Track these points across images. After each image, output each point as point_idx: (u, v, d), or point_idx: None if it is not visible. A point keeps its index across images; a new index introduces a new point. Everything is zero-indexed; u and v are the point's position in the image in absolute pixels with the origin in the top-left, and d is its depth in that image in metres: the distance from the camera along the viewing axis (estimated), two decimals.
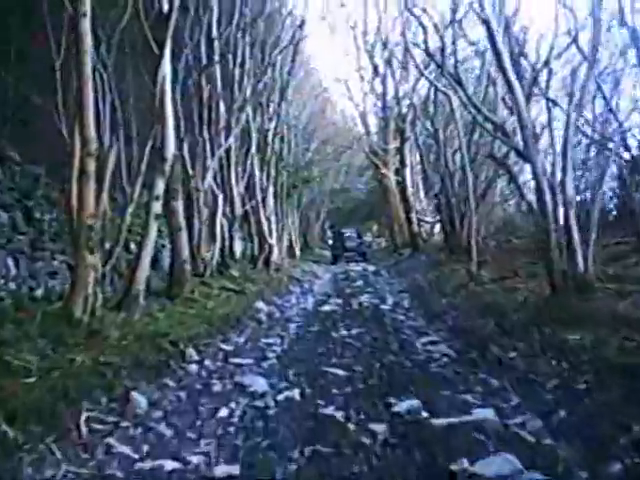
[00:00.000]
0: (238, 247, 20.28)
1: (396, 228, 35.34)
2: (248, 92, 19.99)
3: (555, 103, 14.62)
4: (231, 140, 18.02)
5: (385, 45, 30.53)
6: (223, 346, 8.91)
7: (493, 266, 14.37)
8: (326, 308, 13.79)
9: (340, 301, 14.89)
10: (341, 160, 45.85)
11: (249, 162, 21.32)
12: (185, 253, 12.87)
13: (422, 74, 15.40)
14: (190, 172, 15.69)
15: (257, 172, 22.69)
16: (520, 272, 12.38)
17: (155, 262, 13.69)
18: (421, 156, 32.51)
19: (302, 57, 30.67)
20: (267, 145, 23.86)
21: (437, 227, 35.11)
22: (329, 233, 61.97)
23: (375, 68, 34.58)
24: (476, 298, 11.12)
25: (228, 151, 19.54)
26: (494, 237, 20.99)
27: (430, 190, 35.41)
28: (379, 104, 36.16)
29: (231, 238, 19.75)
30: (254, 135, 21.76)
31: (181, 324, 9.50)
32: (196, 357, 7.98)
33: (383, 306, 13.40)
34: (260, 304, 13.87)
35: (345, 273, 25.53)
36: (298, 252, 37.45)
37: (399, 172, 35.94)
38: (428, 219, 32.76)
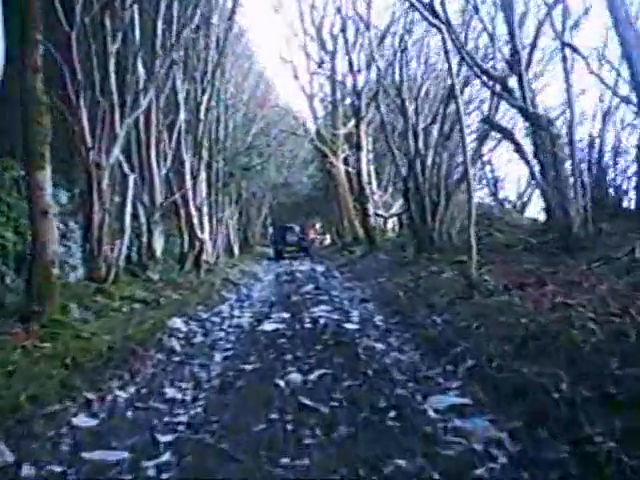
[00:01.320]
0: (159, 243, 16.09)
1: (345, 223, 31.54)
2: (174, 55, 15.90)
3: (574, 49, 11.01)
4: (144, 103, 13.79)
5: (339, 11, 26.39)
6: (79, 420, 4.90)
7: (495, 269, 10.55)
8: (268, 327, 9.76)
9: (287, 315, 10.92)
10: (285, 146, 41.86)
11: (175, 139, 17.13)
12: (52, 248, 8.52)
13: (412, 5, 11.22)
14: (88, 140, 11.57)
15: (186, 154, 18.59)
16: (546, 278, 8.59)
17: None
18: (375, 140, 28.93)
19: (242, 34, 26.78)
20: (199, 122, 19.73)
21: (391, 223, 31.50)
22: (270, 229, 58.86)
23: (323, 45, 30.65)
24: (497, 319, 7.23)
25: (148, 123, 15.48)
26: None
27: (384, 180, 31.98)
28: (327, 88, 32.41)
29: (150, 232, 15.61)
30: (182, 106, 17.63)
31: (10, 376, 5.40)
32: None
33: (348, 325, 9.37)
34: (177, 322, 9.92)
35: (290, 274, 21.56)
36: (237, 250, 33.53)
37: (347, 161, 32.24)
38: (382, 212, 29.03)
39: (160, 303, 11.69)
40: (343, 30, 25.80)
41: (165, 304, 11.74)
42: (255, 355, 7.64)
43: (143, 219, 15.41)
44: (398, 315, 9.69)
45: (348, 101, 34.09)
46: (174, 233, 20.49)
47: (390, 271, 15.50)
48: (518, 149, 12.86)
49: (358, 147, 24.88)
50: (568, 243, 10.08)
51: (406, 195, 16.57)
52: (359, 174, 24.49)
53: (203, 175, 20.50)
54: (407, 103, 16.66)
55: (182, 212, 18.98)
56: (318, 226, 66.64)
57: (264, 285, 18.71)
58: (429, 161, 16.06)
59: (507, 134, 12.96)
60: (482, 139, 16.52)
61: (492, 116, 13.56)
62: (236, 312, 12.24)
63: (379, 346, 7.63)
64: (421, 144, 16.03)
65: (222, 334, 9.56)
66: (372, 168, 30.58)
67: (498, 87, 11.12)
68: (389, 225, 31.05)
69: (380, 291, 13.03)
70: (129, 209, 13.08)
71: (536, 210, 22.97)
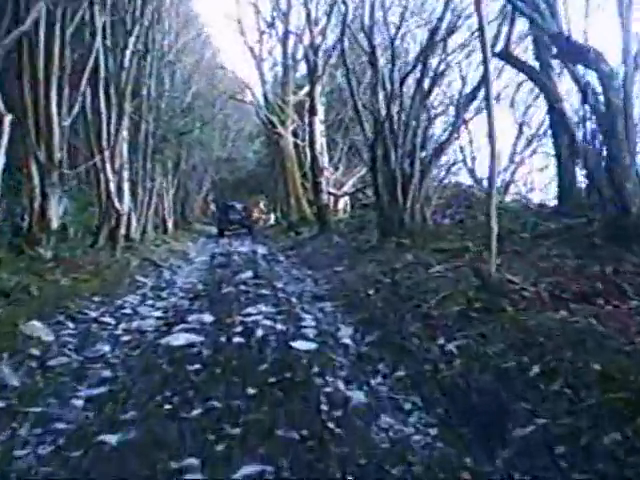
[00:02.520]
0: (54, 211, 12.30)
1: (292, 201, 28.05)
2: None
3: None
4: (27, 21, 9.98)
5: None
6: None
7: (516, 264, 7.24)
8: (177, 340, 6.35)
9: (210, 318, 7.54)
10: (229, 117, 38.20)
11: (85, 83, 13.37)
12: None
13: None
14: None
15: (103, 105, 14.89)
16: (619, 283, 5.36)
17: None
18: (328, 111, 25.54)
19: None
20: (122, 69, 16.01)
21: (342, 202, 28.16)
22: (212, 206, 55.51)
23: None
24: (573, 359, 3.92)
25: (48, 56, 11.89)
26: (450, 212, 14.18)
27: (336, 156, 28.58)
28: (278, 52, 28.81)
29: (45, 197, 11.92)
30: (99, 42, 13.92)
31: None
32: None
33: (300, 343, 5.93)
34: (37, 327, 6.46)
35: (227, 256, 18.08)
36: (171, 226, 29.81)
37: (296, 133, 28.80)
38: (334, 190, 25.64)
39: (31, 293, 8.12)
40: None
41: (38, 295, 8.16)
42: (138, 406, 4.29)
43: (37, 180, 11.69)
44: (375, 328, 6.36)
45: (301, 69, 30.69)
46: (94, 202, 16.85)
47: (350, 258, 12.16)
48: (547, 95, 9.68)
49: (312, 112, 21.14)
50: (620, 230, 6.87)
51: (373, 165, 13.10)
52: (312, 143, 20.87)
53: (125, 134, 16.77)
54: (378, 51, 13.26)
55: (100, 177, 15.34)
56: (262, 204, 63.20)
57: (193, 268, 15.27)
58: (401, 125, 12.74)
59: (529, 72, 9.73)
60: (468, 101, 13.09)
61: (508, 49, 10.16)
62: (143, 308, 8.84)
63: (357, 398, 4.30)
64: (393, 104, 12.67)
65: (106, 348, 6.16)
66: (324, 141, 27.23)
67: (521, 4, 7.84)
68: (340, 205, 27.71)
69: (340, 285, 9.69)
70: (2, 161, 9.32)
71: (523, 192, 19.81)
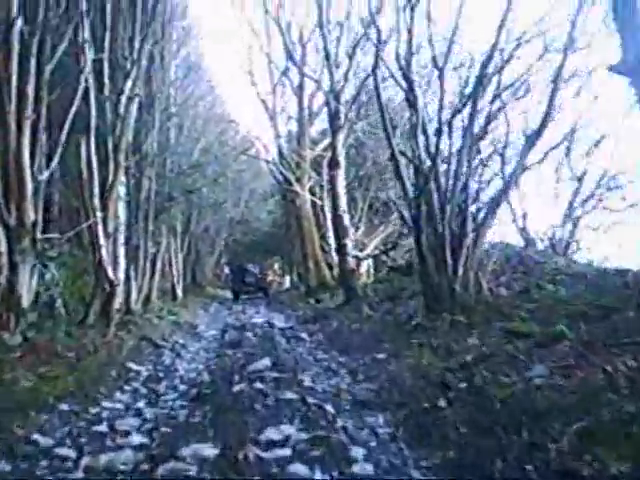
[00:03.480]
0: (26, 285, 9.86)
1: (310, 265, 25.67)
2: None
3: None
4: None
5: None
6: None
7: None
8: None
9: (214, 451, 5.13)
10: (243, 176, 36.20)
11: (66, 130, 11.11)
12: None
13: None
14: None
15: (94, 159, 12.73)
16: None
17: None
18: (348, 165, 23.38)
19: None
20: (117, 117, 13.90)
21: (365, 265, 25.73)
22: (226, 269, 53.50)
23: (289, 53, 24.92)
24: None
25: (21, 97, 9.82)
26: (506, 280, 11.70)
27: (356, 215, 26.27)
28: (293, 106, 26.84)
29: (12, 268, 9.57)
30: (85, 84, 11.81)
31: None
32: None
33: None
34: None
35: (240, 329, 15.63)
36: (181, 292, 27.47)
37: (313, 191, 26.65)
38: (356, 252, 23.29)
39: None
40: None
41: None
42: None
43: (3, 247, 9.39)
44: None
45: (317, 124, 28.73)
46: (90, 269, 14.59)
47: (392, 340, 9.67)
48: None
49: (334, 165, 18.76)
50: None
51: (416, 223, 10.61)
52: (334, 200, 18.43)
53: (121, 192, 14.56)
54: (417, 87, 10.99)
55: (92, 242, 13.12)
56: (277, 267, 60.98)
57: (200, 348, 12.86)
58: (450, 175, 10.39)
59: None
60: (532, 143, 10.56)
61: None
62: (124, 422, 6.39)
63: None
64: (439, 147, 10.36)
65: None
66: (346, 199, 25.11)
67: None
68: (363, 268, 25.32)
69: (389, 383, 7.17)
70: None
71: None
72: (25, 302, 9.55)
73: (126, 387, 8.52)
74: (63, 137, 10.71)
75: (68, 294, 14.52)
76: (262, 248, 51.69)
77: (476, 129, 10.55)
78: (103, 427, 6.20)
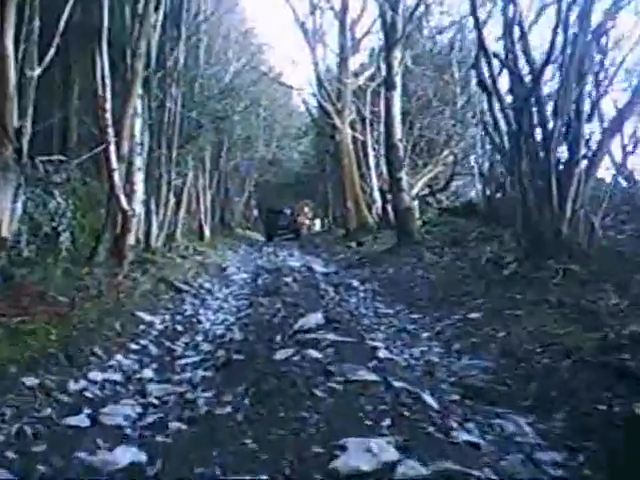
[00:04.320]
0: (7, 212, 7.53)
1: (349, 205, 23.16)
2: None
3: None
4: None
5: None
6: None
7: None
8: None
9: None
10: (274, 114, 33.63)
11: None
12: None
13: None
14: None
15: (106, 65, 10.31)
16: None
17: None
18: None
19: None
20: (135, 17, 11.46)
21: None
22: (255, 212, 51.53)
23: None
24: None
25: None
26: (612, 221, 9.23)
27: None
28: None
29: None
30: None
31: None
32: None
33: None
34: None
35: (276, 273, 13.35)
36: (208, 232, 25.26)
37: (354, 126, 24.03)
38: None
39: None
40: None
41: None
42: None
43: None
44: None
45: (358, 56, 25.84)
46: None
47: (481, 294, 7.28)
48: None
49: (389, 85, 15.74)
50: None
51: (517, 142, 8.00)
52: (388, 125, 15.46)
53: (138, 107, 12.19)
54: None
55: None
56: (307, 209, 58.64)
57: (229, 294, 10.70)
58: (563, 86, 7.79)
59: None
60: None
61: None
62: (116, 409, 4.16)
63: None
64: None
65: None
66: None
67: None
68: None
69: (516, 363, 4.75)
70: None
71: None
72: (4, 231, 7.23)
73: (131, 345, 6.37)
74: (62, 23, 8.25)
75: (78, 227, 12.37)
76: (293, 190, 49.31)
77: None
78: (80, 419, 3.96)
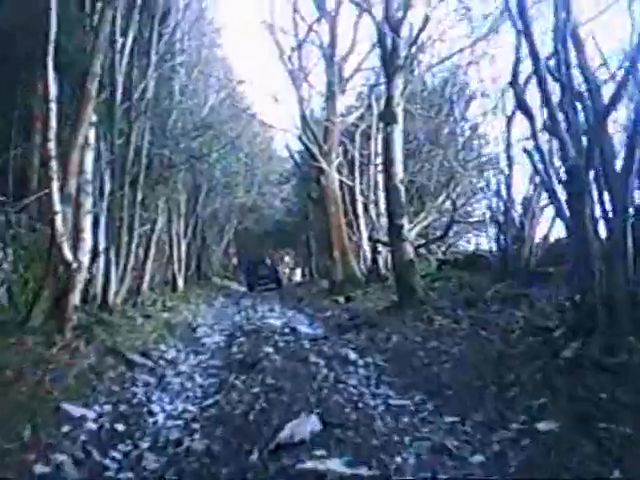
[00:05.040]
0: None
1: (335, 255, 21.08)
2: None
3: None
4: None
5: None
6: None
7: None
8: None
9: None
10: (257, 158, 31.90)
11: None
12: None
13: None
14: None
15: (52, 86, 8.39)
16: None
17: None
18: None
19: None
20: (90, 29, 9.55)
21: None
22: (235, 260, 49.89)
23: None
24: None
25: None
26: None
27: None
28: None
29: None
30: None
31: None
32: None
33: None
34: None
35: (254, 336, 11.23)
36: (182, 283, 23.17)
37: (340, 171, 22.19)
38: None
39: None
40: None
41: None
42: None
43: None
44: None
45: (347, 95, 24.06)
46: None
47: (546, 387, 5.22)
48: None
49: (389, 117, 12.42)
50: None
51: (580, 188, 5.87)
52: (389, 164, 12.79)
53: (90, 137, 10.19)
54: None
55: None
56: (287, 259, 56.84)
57: (194, 369, 8.57)
58: None
59: None
60: None
61: None
62: None
63: None
64: None
65: None
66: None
67: None
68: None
69: None
70: None
71: None
72: None
73: (37, 467, 4.26)
74: None
75: (19, 281, 10.33)
76: (274, 238, 47.65)
77: None
78: None
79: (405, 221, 11.60)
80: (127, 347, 9.04)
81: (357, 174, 21.26)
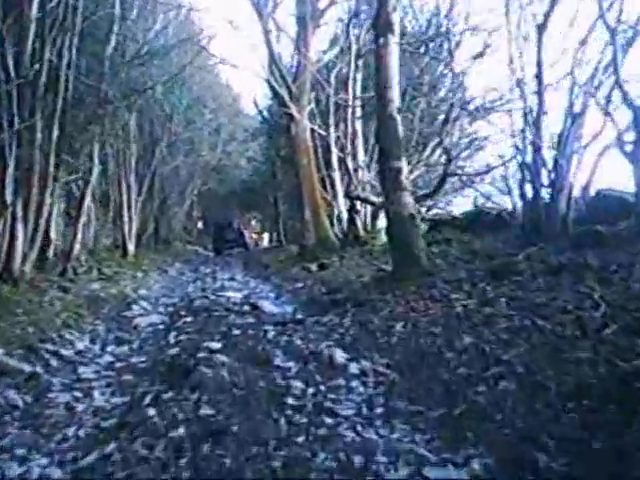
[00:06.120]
0: None
1: (307, 215, 18.04)
2: None
3: None
4: None
5: None
6: None
7: None
8: None
9: None
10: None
11: None
12: None
13: None
14: None
15: None
16: None
17: None
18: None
19: None
20: None
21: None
22: (200, 224, 46.91)
23: None
24: None
25: None
26: None
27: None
28: None
29: None
30: None
31: None
32: None
33: None
34: None
35: (204, 313, 8.47)
36: (132, 247, 20.11)
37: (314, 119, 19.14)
38: (373, 197, 15.77)
39: None
40: None
41: None
42: None
43: None
44: None
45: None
46: None
47: None
48: None
49: (383, 26, 8.37)
50: None
51: None
52: (382, 89, 9.16)
53: None
54: None
55: None
56: (254, 222, 53.67)
57: (102, 371, 5.65)
58: None
59: None
60: None
61: None
62: None
63: None
64: None
65: None
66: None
67: None
68: (379, 223, 17.84)
69: None
70: None
71: None
72: None
73: None
74: None
75: None
76: (240, 199, 44.51)
77: None
78: None
79: (404, 164, 8.57)
80: (9, 338, 6.11)
81: (332, 121, 18.12)
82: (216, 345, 5.95)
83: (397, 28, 8.92)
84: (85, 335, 7.25)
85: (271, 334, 6.78)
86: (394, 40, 8.73)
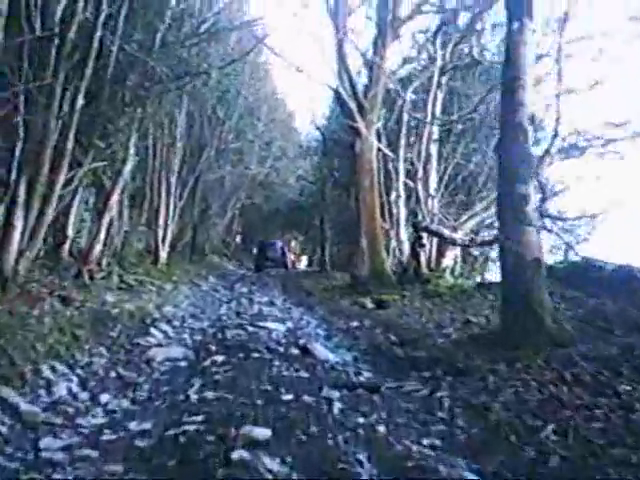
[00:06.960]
0: None
1: (363, 242, 15.74)
2: None
3: None
4: None
5: None
6: None
7: None
8: None
9: None
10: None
11: None
12: None
13: None
14: None
15: None
16: None
17: None
18: None
19: None
20: None
21: (452, 256, 16.06)
22: (238, 239, 45.29)
23: None
24: None
25: None
26: None
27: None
28: None
29: None
30: None
31: None
32: None
33: None
34: None
35: (239, 351, 6.39)
36: (165, 255, 18.15)
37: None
38: (448, 232, 13.42)
39: None
40: None
41: None
42: None
43: None
44: None
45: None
46: None
47: None
48: None
49: (518, 10, 7.05)
50: None
51: None
52: (511, 85, 6.13)
53: None
54: None
55: None
56: (294, 244, 51.67)
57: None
58: None
59: None
60: None
61: None
62: None
63: None
64: None
65: None
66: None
67: None
68: (448, 260, 15.52)
69: None
70: None
71: None
72: None
73: None
74: None
75: None
76: (284, 218, 42.73)
77: None
78: None
79: (531, 190, 6.27)
80: None
81: (402, 143, 15.91)
82: (260, 433, 3.68)
83: (538, 15, 6.73)
84: (75, 371, 5.14)
85: (337, 408, 4.55)
86: (531, 27, 6.52)
